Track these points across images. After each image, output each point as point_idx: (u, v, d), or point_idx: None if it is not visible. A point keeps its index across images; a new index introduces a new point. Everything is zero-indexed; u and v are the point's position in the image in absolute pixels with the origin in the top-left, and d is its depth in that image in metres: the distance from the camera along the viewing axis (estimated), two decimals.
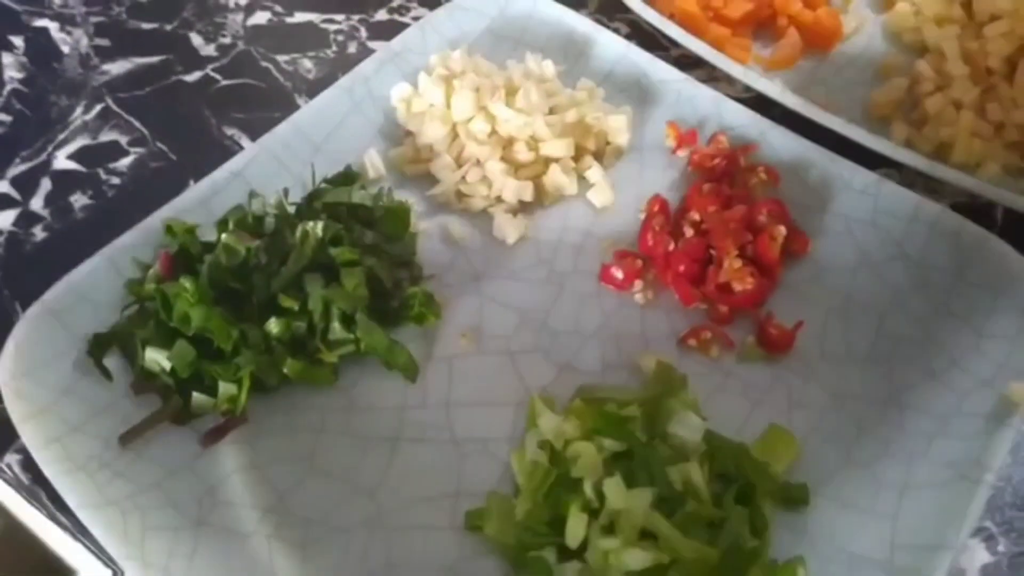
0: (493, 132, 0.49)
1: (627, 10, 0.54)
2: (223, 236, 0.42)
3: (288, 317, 0.41)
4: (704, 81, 0.52)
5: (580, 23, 0.52)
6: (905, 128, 0.52)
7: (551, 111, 0.50)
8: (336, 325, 0.42)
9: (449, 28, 0.52)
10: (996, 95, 0.53)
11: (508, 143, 0.49)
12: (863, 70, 0.56)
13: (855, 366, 0.43)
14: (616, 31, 0.56)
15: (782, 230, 0.45)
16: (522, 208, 0.48)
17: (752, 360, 0.44)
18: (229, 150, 0.51)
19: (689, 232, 0.46)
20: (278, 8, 0.57)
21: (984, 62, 0.54)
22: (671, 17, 0.55)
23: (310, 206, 0.46)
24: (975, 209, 0.49)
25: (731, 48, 0.54)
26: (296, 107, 0.52)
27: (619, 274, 0.46)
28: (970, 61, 0.54)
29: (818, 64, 0.56)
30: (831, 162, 0.48)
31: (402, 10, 0.58)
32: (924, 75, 0.54)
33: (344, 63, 0.54)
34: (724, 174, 0.49)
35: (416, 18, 0.57)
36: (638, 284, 0.46)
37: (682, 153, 0.50)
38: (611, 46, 0.52)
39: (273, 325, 0.41)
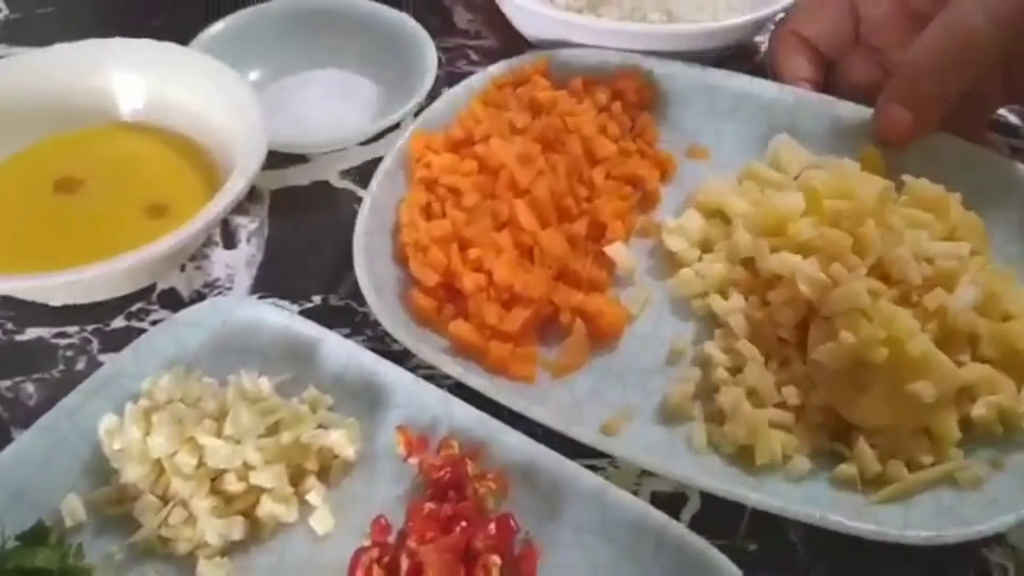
0: (201, 464, 0.45)
1: None
2: None
3: None
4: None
5: (307, 328, 0.50)
6: (703, 429, 0.48)
7: (269, 431, 0.47)
8: None
9: (167, 346, 0.49)
10: (791, 372, 0.50)
11: (219, 474, 0.46)
12: (656, 356, 0.53)
13: None
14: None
15: (496, 560, 0.41)
16: (235, 547, 0.44)
17: None
18: None
19: (405, 564, 0.43)
20: (9, 325, 0.55)
21: (775, 332, 0.51)
22: (454, 340, 0.51)
23: None
24: None
25: (516, 366, 0.50)
26: (11, 442, 0.49)
27: None
28: (759, 335, 0.51)
29: (611, 357, 0.52)
30: (560, 465, 0.45)
31: (141, 314, 0.55)
32: (715, 359, 0.51)
33: (70, 383, 0.50)
34: (451, 485, 0.46)
35: (156, 322, 0.55)
36: None
37: (414, 460, 0.47)
38: (338, 349, 0.49)
39: None
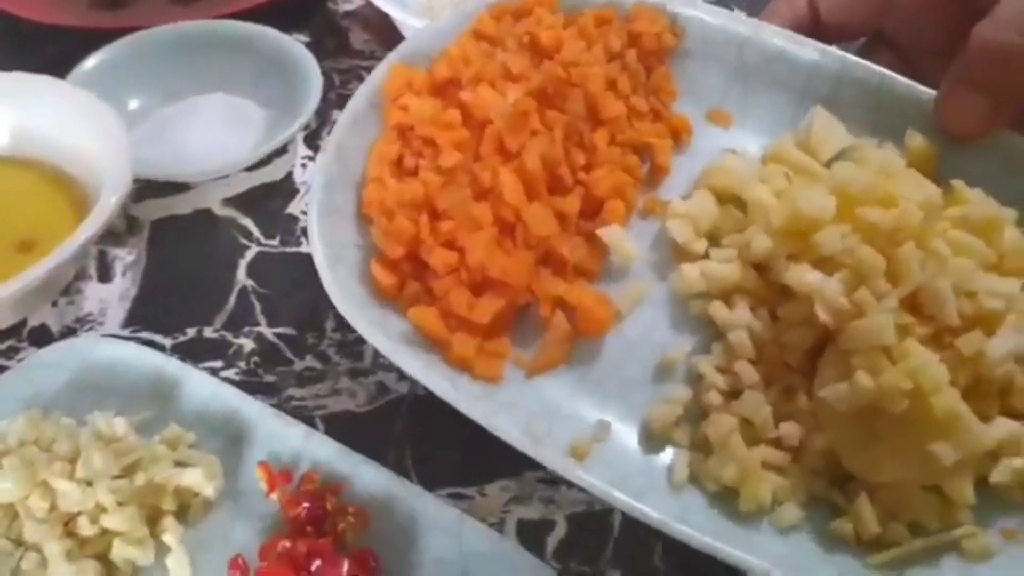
0: (54, 508, 0.45)
1: None
2: None
3: None
4: None
5: (169, 364, 0.49)
6: (685, 462, 0.42)
7: (125, 471, 0.46)
8: None
9: (23, 389, 0.46)
10: (792, 405, 0.42)
11: (73, 518, 0.45)
12: (644, 364, 0.45)
13: None
14: None
15: None
16: None
17: None
18: None
19: None
20: None
21: (782, 356, 0.43)
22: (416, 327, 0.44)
23: None
24: None
25: (481, 364, 0.43)
26: None
27: None
28: (763, 357, 0.44)
29: (593, 360, 0.45)
30: (416, 498, 0.44)
31: (10, 352, 0.52)
32: (708, 378, 0.43)
33: None
34: (311, 521, 0.45)
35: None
36: None
37: (275, 496, 0.47)
38: (201, 386, 0.48)
39: None
